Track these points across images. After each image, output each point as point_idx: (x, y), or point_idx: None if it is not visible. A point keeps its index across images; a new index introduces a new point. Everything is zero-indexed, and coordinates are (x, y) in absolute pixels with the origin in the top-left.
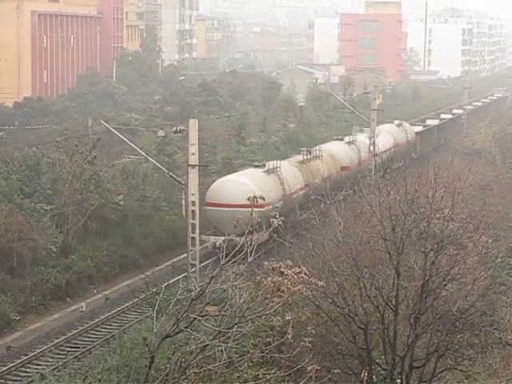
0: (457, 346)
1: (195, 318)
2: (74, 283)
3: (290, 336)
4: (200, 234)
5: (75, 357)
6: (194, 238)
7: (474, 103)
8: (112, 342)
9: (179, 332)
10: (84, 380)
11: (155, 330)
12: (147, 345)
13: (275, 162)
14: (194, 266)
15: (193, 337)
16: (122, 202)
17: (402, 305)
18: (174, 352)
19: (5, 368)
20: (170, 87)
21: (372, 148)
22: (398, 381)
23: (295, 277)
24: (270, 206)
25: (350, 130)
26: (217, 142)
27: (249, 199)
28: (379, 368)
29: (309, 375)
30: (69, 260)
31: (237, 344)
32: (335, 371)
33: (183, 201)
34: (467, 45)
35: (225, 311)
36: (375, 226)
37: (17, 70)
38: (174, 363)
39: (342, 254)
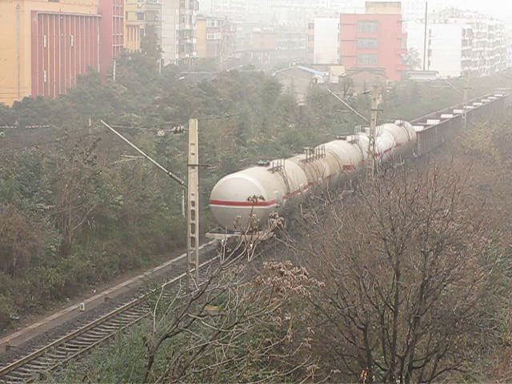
0: (456, 347)
1: (195, 318)
2: (73, 283)
3: (289, 336)
4: (203, 232)
5: (75, 357)
6: (193, 238)
7: (474, 103)
8: (111, 341)
9: (179, 332)
10: (83, 380)
11: (155, 330)
12: (147, 345)
13: (279, 160)
14: (193, 266)
15: (192, 337)
16: (121, 202)
17: (402, 305)
18: (173, 352)
19: (4, 368)
20: (170, 87)
21: (372, 148)
22: (398, 381)
23: (295, 277)
24: (275, 204)
25: (351, 130)
26: (217, 142)
27: (249, 199)
28: (379, 368)
29: (308, 375)
30: (68, 260)
31: (236, 344)
32: (335, 371)
33: (183, 201)
34: (467, 45)
35: (224, 311)
36: (375, 226)
37: (17, 69)
38: (173, 363)
39: (342, 254)
